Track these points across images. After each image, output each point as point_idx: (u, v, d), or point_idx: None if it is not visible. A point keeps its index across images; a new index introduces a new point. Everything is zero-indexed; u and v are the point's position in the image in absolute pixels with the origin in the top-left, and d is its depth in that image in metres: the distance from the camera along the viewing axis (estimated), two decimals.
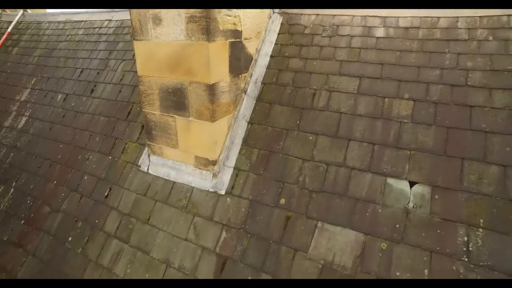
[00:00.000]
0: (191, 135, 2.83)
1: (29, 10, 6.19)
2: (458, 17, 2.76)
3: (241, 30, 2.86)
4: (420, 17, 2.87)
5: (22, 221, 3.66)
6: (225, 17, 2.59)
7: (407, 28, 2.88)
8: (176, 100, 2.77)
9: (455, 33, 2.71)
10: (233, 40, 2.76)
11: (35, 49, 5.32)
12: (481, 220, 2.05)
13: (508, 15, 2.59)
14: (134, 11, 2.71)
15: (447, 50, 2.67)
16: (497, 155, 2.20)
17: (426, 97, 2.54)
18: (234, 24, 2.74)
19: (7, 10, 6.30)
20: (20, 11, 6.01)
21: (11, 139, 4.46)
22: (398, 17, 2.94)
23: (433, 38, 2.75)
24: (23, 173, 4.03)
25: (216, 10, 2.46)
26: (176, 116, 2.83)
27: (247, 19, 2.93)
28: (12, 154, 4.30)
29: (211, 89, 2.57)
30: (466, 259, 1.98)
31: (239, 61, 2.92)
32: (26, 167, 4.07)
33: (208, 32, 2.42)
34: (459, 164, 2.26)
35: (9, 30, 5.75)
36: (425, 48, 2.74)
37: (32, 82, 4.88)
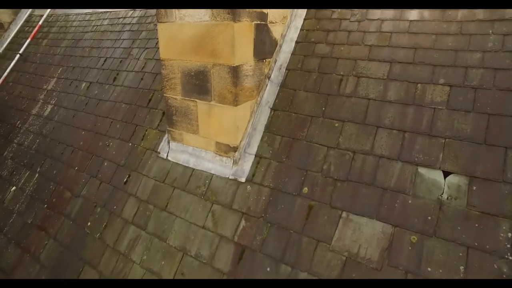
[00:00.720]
0: (212, 120, 2.76)
1: None
2: None
3: (267, 13, 2.77)
4: None
5: (45, 205, 3.71)
6: None
7: (444, 10, 2.69)
8: (198, 84, 2.71)
9: (501, 12, 2.49)
10: (259, 22, 2.67)
11: (62, 40, 5.45)
12: None
13: None
14: None
15: (491, 31, 2.46)
16: None
17: (464, 82, 2.35)
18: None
19: None
20: None
21: (37, 126, 4.55)
22: None
23: (475, 19, 2.55)
24: (47, 159, 4.10)
25: None
26: (197, 100, 2.76)
27: None
28: (38, 140, 4.38)
29: (235, 71, 2.49)
30: (511, 257, 1.79)
31: (264, 45, 2.82)
32: (50, 153, 4.13)
33: (234, 11, 2.34)
34: (502, 154, 2.06)
35: (40, 23, 5.93)
36: (465, 30, 2.54)
37: (59, 72, 4.98)
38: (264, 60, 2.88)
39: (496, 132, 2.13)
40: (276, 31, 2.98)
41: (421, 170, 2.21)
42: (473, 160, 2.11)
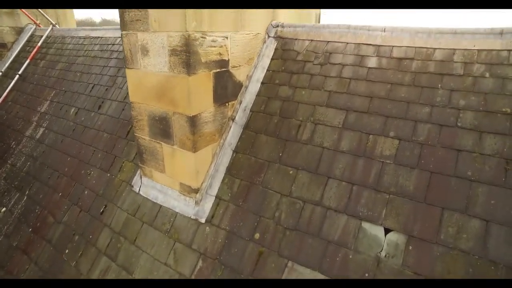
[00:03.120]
0: (176, 162, 2.88)
1: (57, 25, 6.60)
2: (455, 49, 2.56)
3: (228, 59, 2.86)
4: (416, 47, 2.71)
5: (30, 229, 3.92)
6: (209, 48, 2.60)
7: (400, 58, 2.72)
8: (162, 128, 2.83)
9: (450, 67, 2.52)
10: (218, 70, 2.77)
11: (58, 62, 5.67)
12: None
13: (509, 50, 2.37)
14: (126, 41, 2.80)
15: (440, 85, 2.49)
16: (481, 208, 2.03)
17: (412, 137, 2.39)
18: (220, 54, 2.75)
19: (41, 24, 6.74)
20: (50, 26, 6.43)
21: (29, 149, 4.78)
22: (393, 46, 2.79)
23: (427, 71, 2.58)
24: (36, 182, 4.32)
25: (198, 42, 2.48)
26: (162, 143, 2.89)
27: (236, 47, 2.92)
28: (28, 163, 4.61)
29: (192, 120, 2.60)
30: None
31: (226, 90, 2.92)
32: (38, 177, 4.35)
33: (189, 65, 2.45)
34: (439, 214, 2.11)
35: (39, 44, 6.16)
36: (417, 82, 2.58)
37: (52, 95, 5.20)
38: (227, 104, 2.98)
39: (435, 191, 2.17)
40: (240, 73, 3.07)
41: (365, 225, 2.27)
42: (413, 219, 2.16)
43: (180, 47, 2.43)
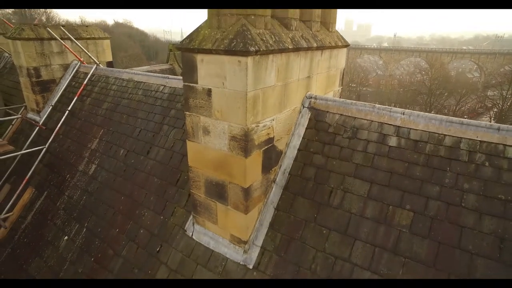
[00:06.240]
0: (228, 219, 3.52)
1: (100, 64, 7.25)
2: (461, 138, 3.15)
3: (273, 136, 3.48)
4: (429, 132, 3.30)
5: (92, 259, 4.58)
6: (260, 132, 3.22)
7: (416, 141, 3.32)
8: (218, 191, 3.46)
9: (457, 153, 3.11)
10: (267, 147, 3.39)
11: (103, 102, 6.32)
12: None
13: (504, 145, 2.96)
14: (189, 120, 3.41)
15: (448, 168, 3.09)
16: (480, 277, 2.63)
17: (425, 211, 3.00)
18: (268, 134, 3.36)
19: (84, 61, 7.38)
20: (94, 65, 7.07)
21: (83, 183, 5.45)
22: (410, 128, 3.38)
23: (438, 155, 3.18)
24: (93, 216, 4.98)
25: (254, 131, 3.10)
26: (217, 202, 3.53)
27: (279, 125, 3.54)
28: (84, 197, 5.28)
29: (246, 191, 3.23)
30: None
31: (271, 160, 3.54)
32: (95, 211, 5.01)
33: (246, 150, 3.07)
34: (445, 277, 2.71)
35: (85, 82, 6.80)
36: (430, 163, 3.17)
37: (100, 133, 5.86)
38: (271, 170, 3.60)
39: (443, 259, 2.78)
40: (281, 143, 3.69)
41: None
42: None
43: (240, 136, 3.05)
